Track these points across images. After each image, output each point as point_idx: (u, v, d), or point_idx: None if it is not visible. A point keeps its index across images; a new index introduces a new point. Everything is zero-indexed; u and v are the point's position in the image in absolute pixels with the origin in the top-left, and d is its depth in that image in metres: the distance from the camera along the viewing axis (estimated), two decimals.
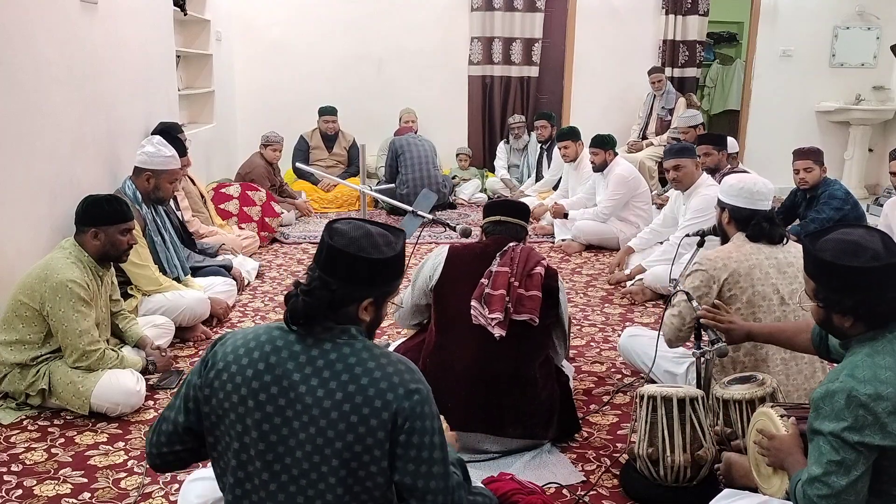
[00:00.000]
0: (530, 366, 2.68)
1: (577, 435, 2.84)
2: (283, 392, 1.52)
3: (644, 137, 7.63)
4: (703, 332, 2.60)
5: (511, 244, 2.76)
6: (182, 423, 1.63)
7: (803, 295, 1.93)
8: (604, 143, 5.57)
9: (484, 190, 7.51)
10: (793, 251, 2.79)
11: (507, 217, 2.84)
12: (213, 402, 1.57)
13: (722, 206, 2.89)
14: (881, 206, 6.89)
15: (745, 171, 4.40)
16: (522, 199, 6.74)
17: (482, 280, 2.68)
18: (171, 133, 4.35)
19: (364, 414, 1.49)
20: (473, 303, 2.65)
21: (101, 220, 3.04)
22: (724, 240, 2.94)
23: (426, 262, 2.84)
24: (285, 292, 1.62)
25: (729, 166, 5.17)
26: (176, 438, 1.65)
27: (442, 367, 2.64)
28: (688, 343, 2.76)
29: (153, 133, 4.32)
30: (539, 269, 2.71)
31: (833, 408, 1.69)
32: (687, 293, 2.65)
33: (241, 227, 5.48)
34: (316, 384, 1.51)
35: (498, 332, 2.60)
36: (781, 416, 2.00)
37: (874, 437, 1.65)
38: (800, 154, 4.73)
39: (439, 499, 1.56)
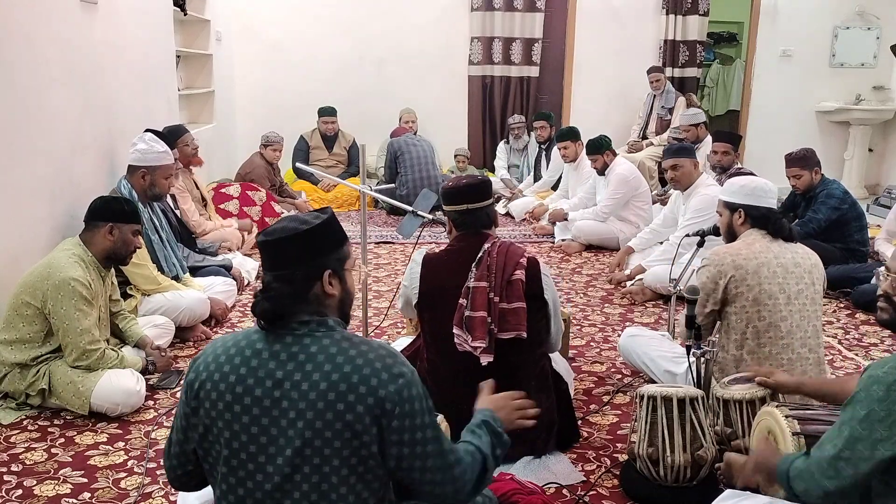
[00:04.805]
0: (525, 380, 2.54)
1: None
2: (267, 392, 1.52)
3: (644, 137, 7.63)
4: (702, 332, 2.60)
5: (485, 246, 2.58)
6: (184, 443, 1.64)
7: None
8: (599, 148, 5.57)
9: None
10: (800, 252, 2.80)
11: (473, 203, 2.62)
12: (200, 412, 1.58)
13: (734, 207, 2.88)
14: (881, 206, 6.91)
15: (751, 173, 4.44)
16: (520, 199, 6.80)
17: (461, 301, 2.51)
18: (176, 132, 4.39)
19: (350, 401, 1.49)
20: (455, 330, 2.50)
21: (119, 216, 3.08)
22: (729, 240, 2.94)
23: (405, 276, 2.70)
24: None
25: (736, 166, 5.20)
26: (184, 459, 1.66)
27: (435, 381, 2.56)
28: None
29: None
30: (519, 274, 2.54)
31: (869, 394, 1.57)
32: (695, 288, 2.67)
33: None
34: (299, 378, 1.52)
35: (485, 359, 2.47)
36: (787, 417, 1.99)
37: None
38: (787, 162, 4.77)
39: (438, 477, 1.55)
